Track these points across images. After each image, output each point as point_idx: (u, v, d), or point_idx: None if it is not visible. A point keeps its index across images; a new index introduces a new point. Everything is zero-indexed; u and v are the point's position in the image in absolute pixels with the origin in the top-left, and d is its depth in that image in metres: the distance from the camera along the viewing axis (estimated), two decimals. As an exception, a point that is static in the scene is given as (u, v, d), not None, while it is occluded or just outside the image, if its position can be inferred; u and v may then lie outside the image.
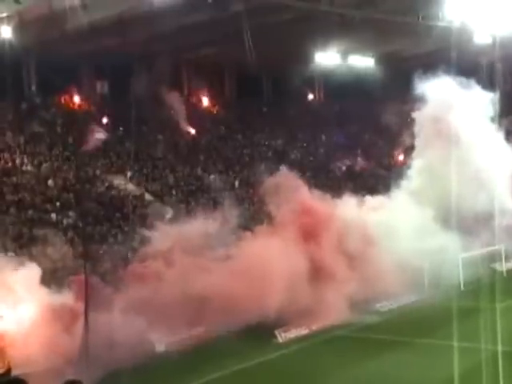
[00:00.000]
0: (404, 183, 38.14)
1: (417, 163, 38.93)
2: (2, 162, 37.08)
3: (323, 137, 55.16)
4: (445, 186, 34.21)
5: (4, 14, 32.82)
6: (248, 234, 33.67)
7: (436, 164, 37.11)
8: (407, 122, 39.81)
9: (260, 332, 28.22)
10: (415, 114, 38.63)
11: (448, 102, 37.82)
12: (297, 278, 30.43)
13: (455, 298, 27.12)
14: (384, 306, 32.55)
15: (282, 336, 28.94)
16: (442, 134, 37.30)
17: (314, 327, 29.93)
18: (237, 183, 44.07)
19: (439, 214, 34.72)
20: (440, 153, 36.88)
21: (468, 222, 34.84)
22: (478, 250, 36.03)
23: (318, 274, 31.53)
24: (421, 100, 37.87)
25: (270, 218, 35.02)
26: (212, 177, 43.74)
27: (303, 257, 31.69)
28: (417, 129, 38.88)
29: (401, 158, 49.71)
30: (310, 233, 33.05)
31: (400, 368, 24.68)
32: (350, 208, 35.30)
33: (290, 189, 34.26)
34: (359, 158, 53.06)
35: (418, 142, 39.15)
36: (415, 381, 23.63)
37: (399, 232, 34.00)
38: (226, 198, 36.88)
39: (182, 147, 46.15)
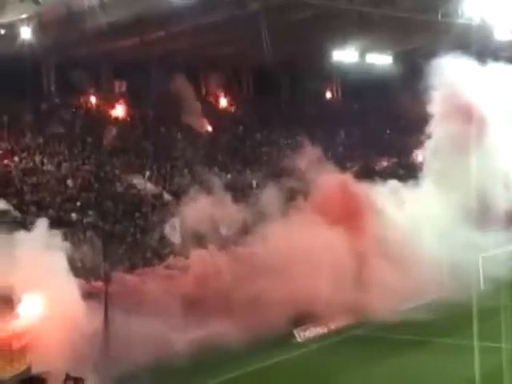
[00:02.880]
0: (424, 178, 37.64)
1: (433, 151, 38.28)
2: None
3: (342, 134, 55.00)
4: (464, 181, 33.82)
5: (24, 15, 32.91)
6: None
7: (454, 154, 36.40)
8: (426, 116, 39.00)
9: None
10: (433, 97, 37.45)
11: (466, 85, 36.96)
12: (343, 266, 30.30)
13: (475, 296, 26.89)
14: (403, 304, 32.42)
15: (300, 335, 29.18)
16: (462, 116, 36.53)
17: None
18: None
19: (461, 208, 34.36)
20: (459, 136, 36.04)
21: (489, 220, 34.59)
22: (497, 249, 35.71)
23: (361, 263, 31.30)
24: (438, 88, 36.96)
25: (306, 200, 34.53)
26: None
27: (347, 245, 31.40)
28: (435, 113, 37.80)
29: (420, 155, 49.28)
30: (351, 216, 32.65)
31: (418, 368, 24.70)
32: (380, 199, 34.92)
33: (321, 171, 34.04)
34: (378, 156, 52.95)
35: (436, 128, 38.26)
36: (435, 381, 23.59)
37: (421, 228, 33.82)
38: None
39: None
